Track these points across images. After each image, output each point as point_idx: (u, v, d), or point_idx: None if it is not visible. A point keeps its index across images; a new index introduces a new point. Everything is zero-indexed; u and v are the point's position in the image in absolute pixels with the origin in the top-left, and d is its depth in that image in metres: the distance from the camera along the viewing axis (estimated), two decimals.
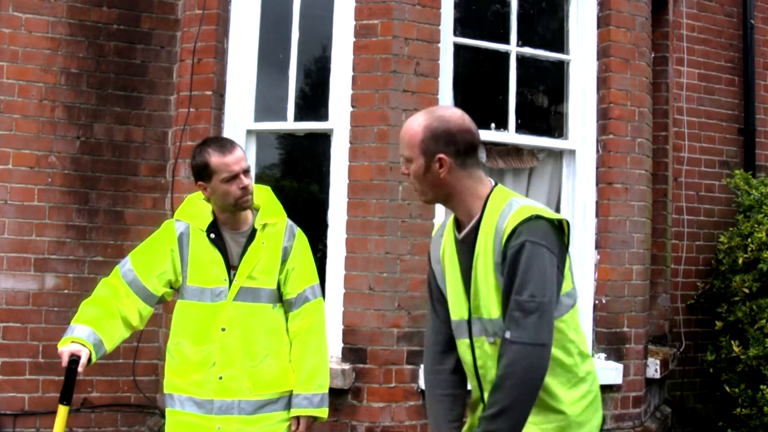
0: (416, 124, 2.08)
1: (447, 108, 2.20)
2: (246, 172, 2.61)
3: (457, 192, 2.07)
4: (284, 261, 2.72)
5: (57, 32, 4.15)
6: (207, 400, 2.61)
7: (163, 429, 3.90)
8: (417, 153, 2.06)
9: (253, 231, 2.69)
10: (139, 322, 2.64)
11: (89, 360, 2.45)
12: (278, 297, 2.74)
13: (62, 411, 2.43)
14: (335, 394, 3.59)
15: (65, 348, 2.44)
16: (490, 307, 2.01)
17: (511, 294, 1.91)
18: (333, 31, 4.01)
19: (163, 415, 3.95)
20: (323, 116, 4.02)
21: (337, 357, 3.78)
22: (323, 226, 3.96)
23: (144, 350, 4.03)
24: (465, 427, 2.21)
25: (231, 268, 2.67)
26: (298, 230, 2.80)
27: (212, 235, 2.67)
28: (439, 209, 3.90)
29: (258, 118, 4.13)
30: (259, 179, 4.13)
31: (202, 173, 2.60)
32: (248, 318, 2.65)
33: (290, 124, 4.10)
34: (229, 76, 4.11)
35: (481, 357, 2.08)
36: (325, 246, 3.94)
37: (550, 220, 1.99)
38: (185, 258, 2.67)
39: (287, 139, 4.46)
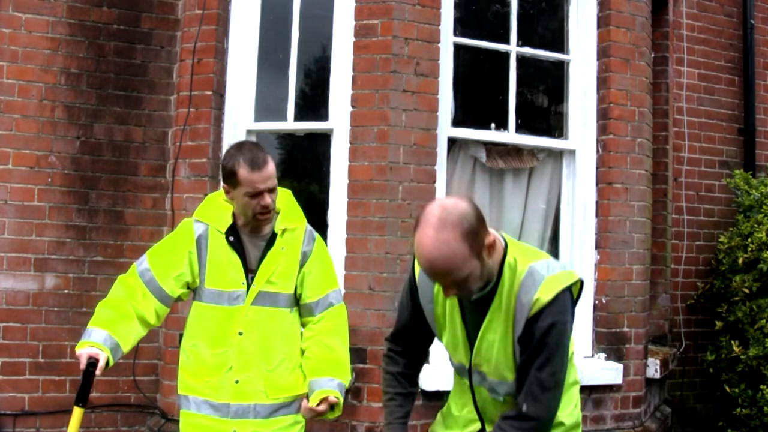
0: (451, 244, 1.82)
1: (449, 201, 1.94)
2: (271, 190, 2.56)
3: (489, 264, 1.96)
4: (302, 265, 2.69)
5: (57, 32, 4.15)
6: (223, 404, 2.59)
7: (163, 429, 3.91)
8: (472, 262, 1.86)
9: (273, 235, 2.67)
10: (156, 320, 2.62)
11: (107, 364, 2.44)
12: (295, 301, 2.72)
13: (77, 413, 2.41)
14: None
15: (83, 351, 2.41)
16: (504, 371, 2.04)
17: (530, 367, 1.93)
18: (333, 31, 4.01)
19: (163, 415, 3.96)
20: (323, 116, 4.02)
21: None
22: (323, 226, 3.95)
23: (144, 350, 4.02)
24: None
25: (249, 271, 2.64)
26: (317, 235, 2.78)
27: (231, 238, 2.64)
28: None
29: (258, 118, 4.13)
30: None
31: (229, 179, 2.56)
32: (266, 322, 2.63)
33: (290, 124, 4.10)
34: (229, 76, 4.11)
35: (481, 401, 2.18)
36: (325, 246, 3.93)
37: (571, 289, 1.98)
38: (203, 260, 2.64)
39: (287, 139, 4.46)
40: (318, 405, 2.52)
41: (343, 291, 3.75)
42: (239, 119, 4.09)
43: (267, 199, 2.55)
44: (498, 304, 1.99)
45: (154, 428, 3.98)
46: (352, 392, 3.65)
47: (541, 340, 1.92)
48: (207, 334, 2.63)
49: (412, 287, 2.20)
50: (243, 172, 2.51)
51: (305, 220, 2.76)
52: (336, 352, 2.68)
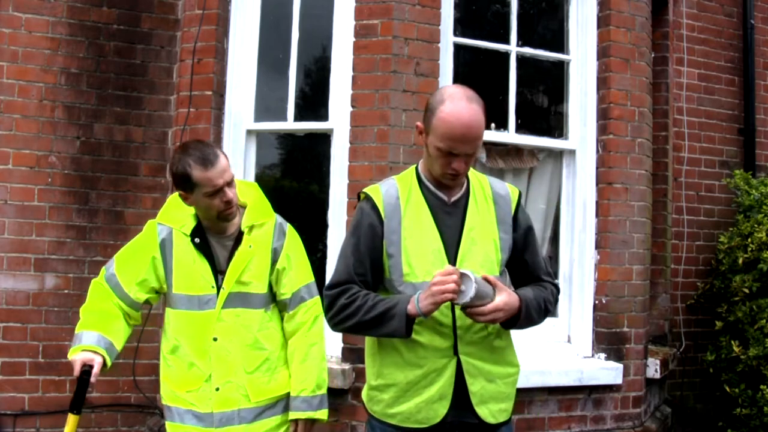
0: (478, 113, 2.09)
1: (461, 86, 2.18)
2: (230, 183, 2.46)
3: None
4: (274, 262, 2.59)
5: (57, 32, 4.15)
6: (207, 414, 2.51)
7: (163, 429, 3.91)
8: (481, 140, 2.13)
9: (240, 233, 2.56)
10: (134, 321, 2.60)
11: (105, 365, 2.40)
12: (271, 299, 2.63)
13: (72, 420, 2.37)
14: (335, 394, 3.59)
15: (77, 357, 2.37)
16: (492, 263, 2.21)
17: (534, 254, 2.33)
18: (333, 31, 4.01)
19: (162, 415, 3.95)
20: (323, 116, 4.02)
21: (337, 357, 3.78)
22: (323, 226, 3.96)
23: (144, 350, 4.03)
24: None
25: (219, 273, 2.54)
26: (288, 227, 2.67)
27: (197, 240, 2.53)
28: None
29: (258, 118, 4.13)
30: (260, 179, 4.13)
31: (183, 184, 2.45)
32: (241, 325, 2.54)
33: (290, 124, 4.10)
34: (229, 76, 4.11)
35: (460, 321, 2.16)
36: (325, 246, 3.94)
37: None
38: (169, 265, 2.54)
39: (287, 139, 4.46)
40: (291, 428, 2.57)
41: None
42: (239, 119, 4.09)
43: (228, 193, 2.45)
44: (475, 202, 2.25)
45: (154, 428, 3.98)
46: (352, 392, 3.65)
47: (530, 228, 2.33)
48: (183, 341, 2.55)
49: (374, 226, 2.19)
50: (197, 172, 2.40)
51: (274, 215, 2.66)
52: (307, 358, 2.61)
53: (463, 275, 2.02)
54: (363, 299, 2.14)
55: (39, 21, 4.12)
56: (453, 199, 2.24)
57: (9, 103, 4.07)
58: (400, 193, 2.23)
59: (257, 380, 2.56)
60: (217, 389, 2.51)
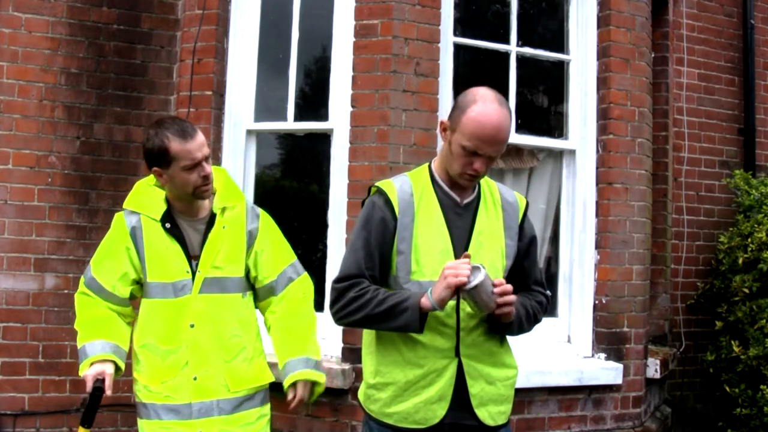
0: (507, 118, 2.13)
1: (487, 89, 2.20)
2: (207, 158, 2.41)
3: None
4: (250, 245, 2.54)
5: (57, 32, 4.15)
6: (185, 405, 2.43)
7: None
8: (504, 145, 2.17)
9: (212, 216, 2.50)
10: (129, 318, 2.55)
11: (118, 369, 2.37)
12: (248, 286, 2.57)
13: None
14: (335, 394, 3.59)
15: (87, 372, 2.31)
16: (496, 263, 2.24)
17: (533, 263, 2.38)
18: (333, 31, 4.01)
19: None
20: (323, 116, 4.02)
21: (337, 357, 3.77)
22: (323, 226, 3.96)
23: None
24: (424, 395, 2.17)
25: (192, 258, 2.47)
26: (261, 211, 2.63)
27: (168, 225, 2.46)
28: None
29: (258, 118, 4.13)
30: (260, 179, 4.13)
31: (159, 159, 2.37)
32: (218, 311, 2.47)
33: (290, 124, 4.10)
34: (229, 76, 4.11)
35: (464, 321, 2.17)
36: (325, 246, 3.94)
37: None
38: (142, 253, 2.46)
39: (287, 139, 4.46)
40: (290, 395, 2.46)
41: None
42: (239, 119, 4.09)
43: (207, 167, 2.40)
44: (485, 206, 2.29)
45: None
46: (352, 392, 3.65)
47: (534, 238, 2.38)
48: (157, 331, 2.46)
49: (386, 221, 2.18)
50: (175, 145, 2.34)
51: (244, 198, 2.62)
52: (302, 326, 2.55)
53: (473, 267, 2.02)
54: (374, 293, 2.13)
55: (39, 21, 4.12)
56: (465, 201, 2.26)
57: (9, 103, 4.07)
58: (414, 190, 2.23)
59: (236, 369, 2.49)
60: (195, 378, 2.44)
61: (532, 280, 2.38)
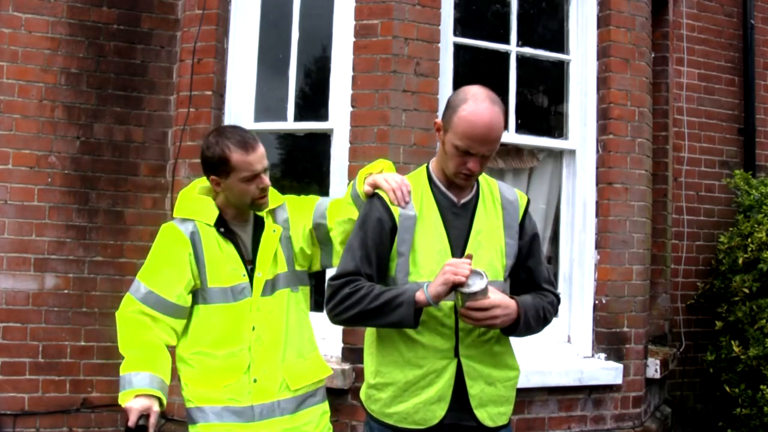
0: (500, 116, 2.12)
1: (483, 87, 2.20)
2: (266, 170, 2.41)
3: None
4: (290, 232, 2.53)
5: (57, 32, 4.15)
6: (246, 407, 2.38)
7: (163, 429, 3.90)
8: (498, 143, 2.15)
9: (257, 219, 2.52)
10: (176, 338, 2.43)
11: (160, 404, 2.27)
12: (296, 279, 2.56)
13: None
14: (335, 394, 3.59)
15: (132, 405, 2.19)
16: (497, 265, 2.22)
17: (538, 262, 2.32)
18: (333, 31, 4.01)
19: (163, 415, 3.95)
20: (323, 116, 4.02)
21: (337, 357, 3.78)
22: None
23: None
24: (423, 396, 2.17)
25: (246, 262, 2.47)
26: (285, 200, 2.61)
27: (222, 230, 2.45)
28: None
29: (258, 118, 4.13)
30: None
31: (218, 168, 2.37)
32: (274, 311, 2.46)
33: (290, 124, 4.10)
34: (229, 76, 4.11)
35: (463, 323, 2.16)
36: None
37: None
38: (201, 259, 2.42)
39: (287, 139, 4.46)
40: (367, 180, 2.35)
41: None
42: (239, 119, 4.09)
43: (266, 179, 2.40)
44: (484, 206, 2.26)
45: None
46: (352, 392, 3.65)
47: (536, 236, 2.35)
48: (216, 336, 2.41)
49: (383, 221, 2.18)
50: (236, 156, 2.33)
51: (284, 199, 2.60)
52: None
53: (473, 271, 2.02)
54: (368, 289, 2.12)
55: (39, 21, 4.12)
56: (462, 200, 2.25)
57: (9, 103, 4.07)
58: (413, 193, 2.23)
59: (293, 366, 2.48)
60: (255, 380, 2.41)
61: (542, 279, 2.32)
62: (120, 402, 2.23)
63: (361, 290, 2.12)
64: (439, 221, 2.21)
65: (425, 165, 2.33)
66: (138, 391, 2.22)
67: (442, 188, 2.25)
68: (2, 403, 3.98)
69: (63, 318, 4.07)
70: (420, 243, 2.18)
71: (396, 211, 2.19)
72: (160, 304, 2.36)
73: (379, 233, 2.18)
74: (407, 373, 2.17)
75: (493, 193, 2.31)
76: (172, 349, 2.43)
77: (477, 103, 2.09)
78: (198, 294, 2.44)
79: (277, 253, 2.50)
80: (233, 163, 2.34)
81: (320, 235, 2.56)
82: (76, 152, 4.16)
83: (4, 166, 4.05)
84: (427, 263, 2.16)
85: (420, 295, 2.06)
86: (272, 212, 2.55)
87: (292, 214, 2.58)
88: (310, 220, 2.56)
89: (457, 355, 2.16)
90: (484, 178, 2.33)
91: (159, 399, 2.26)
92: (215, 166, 2.38)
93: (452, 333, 2.16)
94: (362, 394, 2.33)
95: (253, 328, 2.43)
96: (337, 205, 2.51)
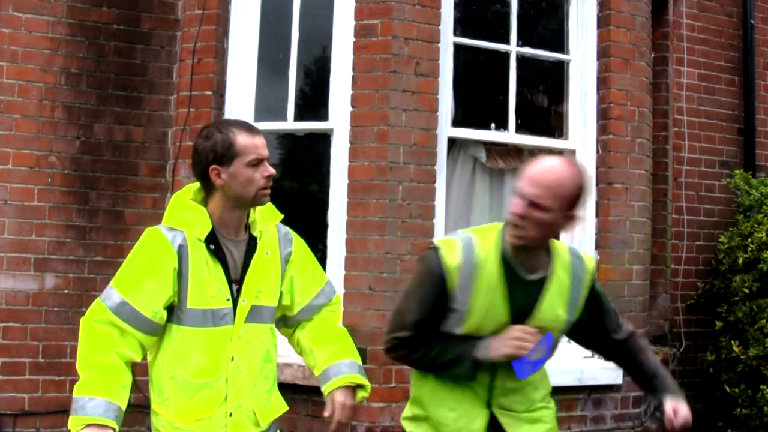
0: (573, 180, 2.06)
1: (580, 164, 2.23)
2: (269, 160, 2.25)
3: (549, 240, 2.20)
4: (284, 271, 2.36)
5: (57, 32, 4.15)
6: None
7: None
8: (559, 208, 2.06)
9: (251, 238, 2.29)
10: (142, 354, 2.22)
11: None
12: (274, 314, 2.39)
13: None
14: None
15: None
16: (556, 334, 2.30)
17: (609, 312, 2.39)
18: (333, 31, 4.01)
19: None
20: (323, 116, 4.02)
21: None
22: (323, 226, 3.96)
23: None
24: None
25: (233, 282, 2.24)
26: (293, 234, 2.44)
27: (212, 246, 2.20)
28: (439, 209, 3.90)
29: (258, 118, 4.13)
30: None
31: (222, 155, 2.16)
32: (254, 342, 2.27)
33: (290, 124, 4.10)
34: (229, 76, 4.11)
35: (500, 382, 2.24)
36: (325, 246, 3.94)
37: None
38: (185, 277, 2.17)
39: (287, 139, 4.46)
40: (342, 400, 2.29)
41: (342, 291, 3.77)
42: (239, 119, 4.09)
43: (270, 168, 2.22)
44: (553, 287, 2.20)
45: None
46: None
47: (600, 294, 2.34)
48: (192, 363, 2.19)
49: (437, 285, 2.16)
50: (242, 138, 2.17)
51: (280, 217, 2.41)
52: (340, 337, 2.42)
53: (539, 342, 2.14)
54: (428, 349, 2.20)
55: (39, 21, 4.12)
56: (532, 277, 2.19)
57: (9, 103, 4.06)
58: (477, 256, 2.15)
59: (264, 402, 2.32)
60: (230, 414, 2.22)
61: (616, 325, 2.40)
62: (70, 428, 2.04)
63: (421, 350, 2.21)
64: (504, 294, 2.17)
65: (500, 225, 2.24)
66: (90, 419, 2.03)
67: (513, 260, 2.18)
68: (2, 403, 3.97)
69: (63, 318, 4.06)
70: (479, 308, 2.16)
71: (456, 275, 2.15)
72: (133, 318, 2.12)
73: (436, 291, 2.18)
74: (441, 413, 2.25)
75: (565, 266, 2.26)
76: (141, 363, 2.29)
77: (550, 161, 2.21)
78: (173, 313, 2.21)
79: (271, 281, 2.32)
80: (239, 146, 2.16)
81: (289, 311, 2.43)
82: (76, 152, 4.16)
83: (4, 166, 4.05)
84: (481, 330, 2.19)
85: (480, 355, 2.14)
86: (263, 233, 2.33)
87: (297, 261, 2.41)
88: (303, 298, 2.42)
89: (489, 406, 2.24)
90: (557, 249, 2.26)
91: (113, 429, 2.08)
92: (218, 153, 2.17)
93: (486, 387, 2.23)
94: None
95: (232, 359, 2.22)
96: (323, 335, 2.42)
